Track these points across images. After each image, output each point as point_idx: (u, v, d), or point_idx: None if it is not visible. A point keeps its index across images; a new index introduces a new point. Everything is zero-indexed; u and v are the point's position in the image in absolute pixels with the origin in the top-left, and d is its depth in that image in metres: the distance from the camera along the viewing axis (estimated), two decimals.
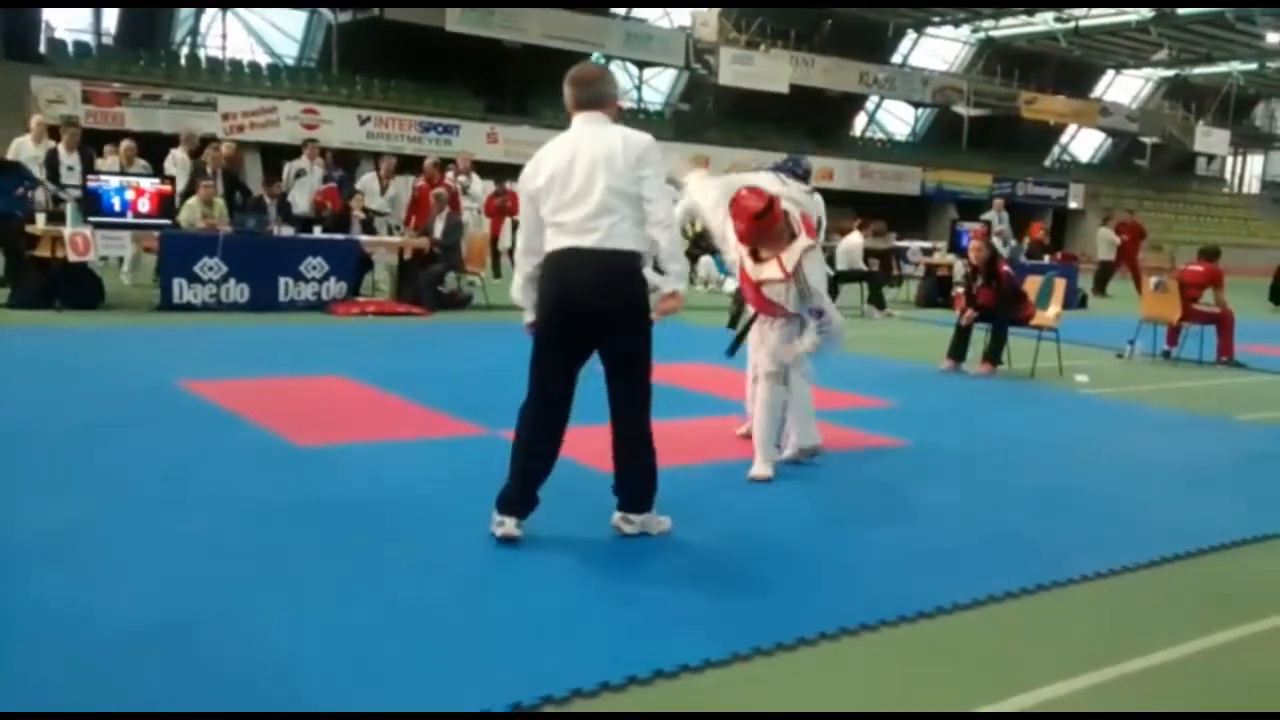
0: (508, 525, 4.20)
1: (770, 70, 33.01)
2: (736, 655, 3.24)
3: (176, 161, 13.27)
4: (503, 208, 16.44)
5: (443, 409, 6.62)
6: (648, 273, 4.28)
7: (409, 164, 20.52)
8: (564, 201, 4.12)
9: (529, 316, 4.37)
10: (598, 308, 4.15)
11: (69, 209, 10.58)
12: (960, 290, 12.39)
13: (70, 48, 26.07)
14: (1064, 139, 46.57)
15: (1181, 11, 34.57)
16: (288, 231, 11.89)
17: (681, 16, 33.75)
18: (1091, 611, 3.88)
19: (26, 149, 12.17)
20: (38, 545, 3.88)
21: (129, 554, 3.85)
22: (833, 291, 11.96)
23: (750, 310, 5.87)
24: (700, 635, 3.37)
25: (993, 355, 9.42)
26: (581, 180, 4.10)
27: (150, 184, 11.29)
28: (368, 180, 14.08)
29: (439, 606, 3.53)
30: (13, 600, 3.37)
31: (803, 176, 6.10)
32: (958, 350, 9.54)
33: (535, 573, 3.90)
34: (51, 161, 11.99)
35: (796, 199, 5.76)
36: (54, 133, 12.76)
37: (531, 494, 4.27)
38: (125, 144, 13.40)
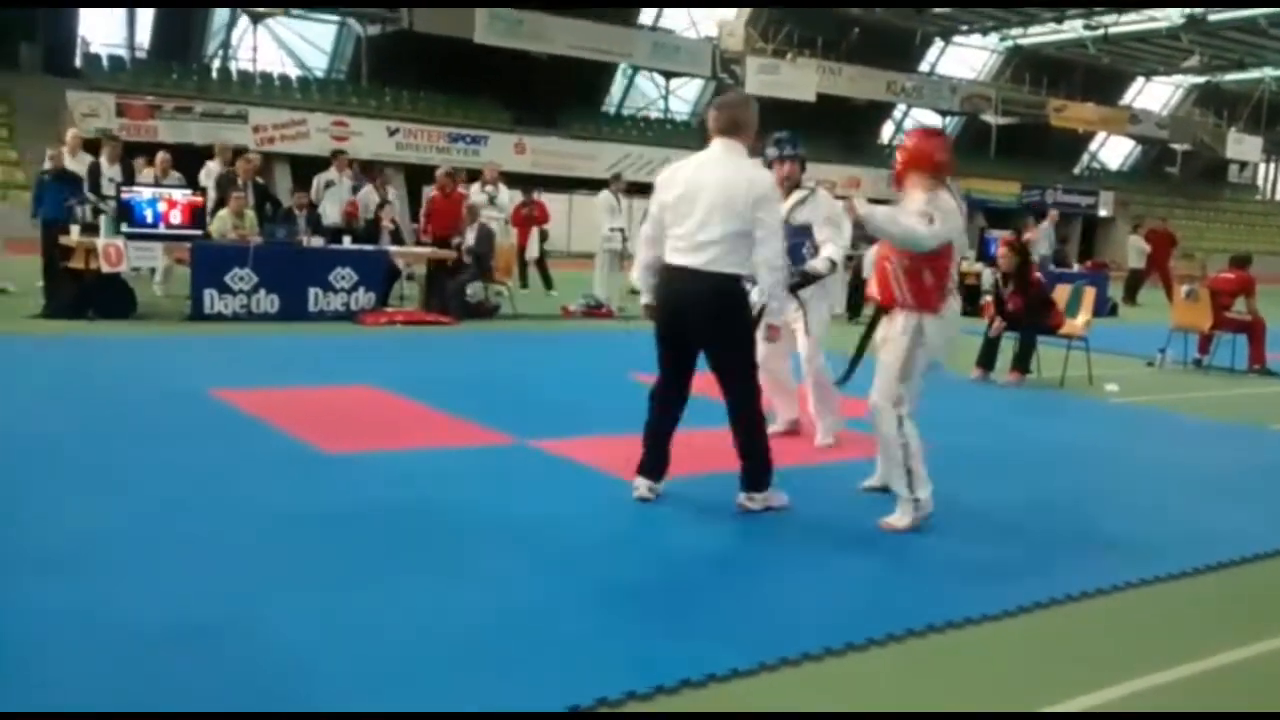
0: (641, 488, 4.93)
1: (797, 79, 32.98)
2: (763, 664, 3.24)
3: (211, 173, 13.39)
4: (529, 218, 16.49)
5: (470, 417, 6.65)
6: (753, 293, 5.08)
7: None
8: (686, 223, 4.70)
9: (645, 298, 5.07)
10: (699, 319, 4.79)
11: (103, 220, 10.71)
12: (989, 299, 12.32)
13: (105, 62, 26.41)
14: (1093, 146, 46.23)
15: (1213, 17, 34.26)
16: (317, 242, 11.99)
17: (708, 26, 33.82)
18: (1123, 621, 3.86)
19: (65, 162, 12.31)
20: (69, 550, 3.93)
21: (159, 559, 3.89)
22: (858, 301, 11.90)
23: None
24: (727, 644, 3.37)
25: (1021, 364, 9.37)
26: (704, 211, 4.65)
27: (182, 195, 11.40)
28: (367, 193, 14.10)
29: (464, 614, 3.54)
30: (44, 603, 3.42)
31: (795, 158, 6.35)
32: (986, 359, 9.50)
33: (561, 582, 3.91)
34: (94, 174, 12.13)
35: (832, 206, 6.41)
36: (89, 146, 12.92)
37: (663, 460, 4.98)
38: (161, 156, 13.55)
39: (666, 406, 5.02)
